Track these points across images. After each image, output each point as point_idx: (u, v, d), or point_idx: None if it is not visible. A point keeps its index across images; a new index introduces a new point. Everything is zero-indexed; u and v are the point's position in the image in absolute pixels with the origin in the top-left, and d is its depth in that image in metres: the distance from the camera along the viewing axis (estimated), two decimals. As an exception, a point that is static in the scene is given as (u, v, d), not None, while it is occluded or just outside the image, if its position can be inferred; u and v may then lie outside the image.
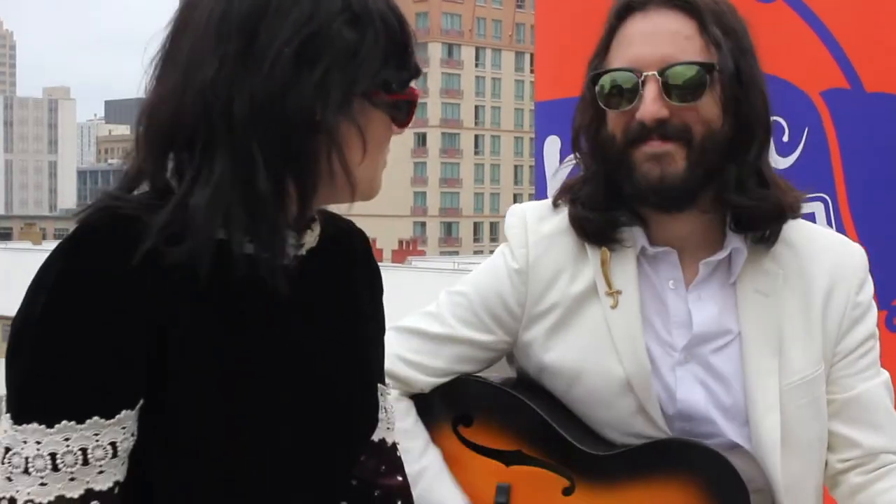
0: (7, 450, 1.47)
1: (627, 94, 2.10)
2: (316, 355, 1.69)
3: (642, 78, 2.08)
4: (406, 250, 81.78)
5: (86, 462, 1.47)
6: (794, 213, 2.20)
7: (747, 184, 2.13)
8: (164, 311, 1.51)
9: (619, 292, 2.17)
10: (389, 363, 2.06)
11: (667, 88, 2.07)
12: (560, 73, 3.35)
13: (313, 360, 1.68)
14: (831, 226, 3.14)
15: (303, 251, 1.68)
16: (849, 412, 2.20)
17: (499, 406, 2.25)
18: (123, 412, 1.50)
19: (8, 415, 1.47)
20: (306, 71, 1.54)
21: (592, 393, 2.18)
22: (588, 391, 2.18)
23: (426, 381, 2.28)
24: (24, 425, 1.46)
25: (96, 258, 1.49)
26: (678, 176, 2.09)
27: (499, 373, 2.36)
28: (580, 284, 2.21)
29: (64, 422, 1.46)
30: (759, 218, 2.16)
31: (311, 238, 1.70)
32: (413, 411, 2.27)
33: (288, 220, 1.59)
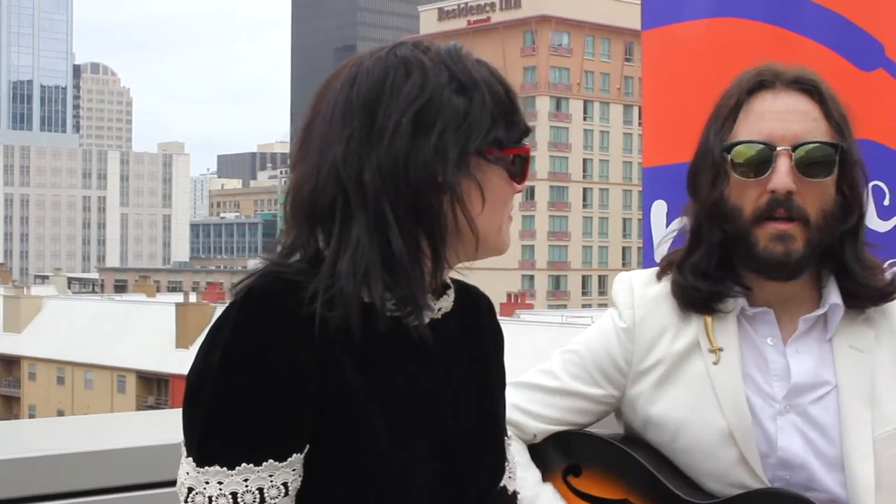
0: (190, 490, 1.65)
1: (760, 167, 2.24)
2: (453, 409, 1.84)
3: (776, 151, 2.23)
4: (514, 303, 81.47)
5: (262, 500, 1.65)
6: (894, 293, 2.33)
7: (863, 260, 2.31)
8: (327, 367, 1.68)
9: (720, 349, 2.31)
10: (507, 412, 2.22)
11: (798, 164, 2.22)
12: (667, 140, 3.45)
13: (451, 414, 1.84)
14: (930, 286, 3.21)
15: (439, 314, 1.85)
16: None
17: (606, 457, 2.38)
18: (294, 456, 1.67)
19: (190, 458, 1.66)
20: (423, 136, 1.72)
21: (696, 444, 2.30)
22: (692, 442, 2.31)
23: (538, 428, 2.43)
24: (207, 468, 1.64)
25: (267, 318, 1.67)
26: (798, 254, 2.23)
27: (607, 429, 2.49)
28: (683, 342, 2.35)
29: (244, 464, 1.64)
30: (873, 293, 2.31)
31: (446, 302, 1.88)
32: (527, 452, 2.42)
33: (425, 277, 1.75)
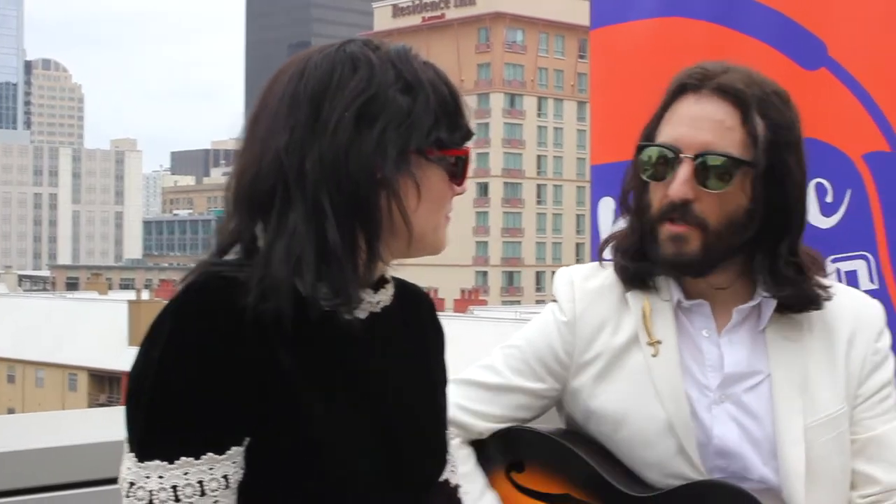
0: (131, 484, 1.66)
1: (664, 170, 2.29)
2: (394, 401, 1.87)
3: (680, 158, 2.26)
4: (468, 300, 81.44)
5: (202, 493, 1.67)
6: (828, 299, 2.36)
7: (784, 274, 2.31)
8: (264, 359, 1.70)
9: (659, 342, 2.35)
10: (451, 412, 2.25)
11: (697, 173, 2.25)
12: (614, 138, 3.49)
13: (392, 405, 1.87)
14: (873, 282, 3.26)
15: (378, 307, 1.88)
16: (870, 451, 2.36)
17: (548, 453, 2.41)
18: (233, 448, 1.69)
19: (131, 454, 1.68)
20: (365, 131, 1.75)
21: (636, 436, 2.34)
22: (632, 434, 2.35)
23: (484, 426, 2.46)
24: (147, 462, 1.66)
25: (204, 314, 1.70)
26: (692, 256, 2.28)
27: (548, 423, 2.53)
28: (623, 335, 2.39)
29: (183, 458, 1.66)
30: (795, 306, 2.35)
31: (385, 296, 1.90)
32: (473, 458, 2.45)
33: (359, 270, 1.78)
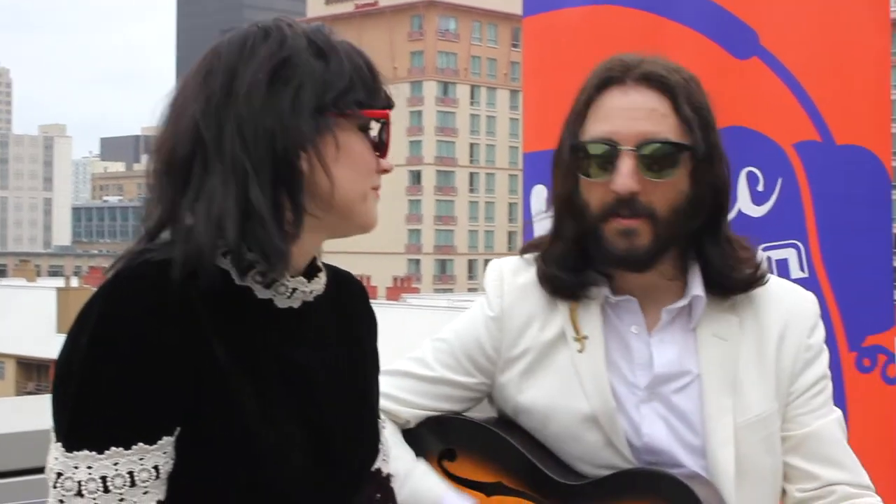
0: (59, 475, 1.62)
1: (604, 166, 2.23)
2: (327, 390, 1.86)
3: (619, 151, 2.22)
4: (400, 287, 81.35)
5: (133, 484, 1.63)
6: (764, 280, 2.36)
7: (726, 252, 2.31)
8: (196, 346, 1.68)
9: (585, 338, 2.33)
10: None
11: (641, 164, 2.21)
12: (547, 125, 3.47)
13: (324, 395, 1.85)
14: (803, 271, 3.29)
15: (311, 296, 1.86)
16: (806, 447, 2.34)
17: (481, 442, 2.40)
18: (164, 438, 1.66)
19: (59, 443, 1.64)
20: (280, 90, 1.74)
21: (563, 429, 2.33)
22: (559, 428, 2.33)
23: (410, 413, 2.44)
24: (76, 452, 1.62)
25: (132, 301, 1.66)
26: (643, 249, 2.23)
27: (481, 413, 2.51)
28: (550, 331, 2.37)
29: (113, 448, 1.63)
30: (733, 284, 2.32)
31: (318, 285, 1.88)
32: (399, 431, 2.43)
33: (287, 231, 1.74)
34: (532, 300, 2.40)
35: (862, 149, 3.31)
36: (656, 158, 2.22)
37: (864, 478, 2.36)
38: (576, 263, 2.32)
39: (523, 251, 2.48)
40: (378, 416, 2.03)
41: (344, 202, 1.79)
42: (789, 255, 3.30)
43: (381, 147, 1.85)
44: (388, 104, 1.85)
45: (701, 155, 2.25)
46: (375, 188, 1.85)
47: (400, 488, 2.23)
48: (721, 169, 2.29)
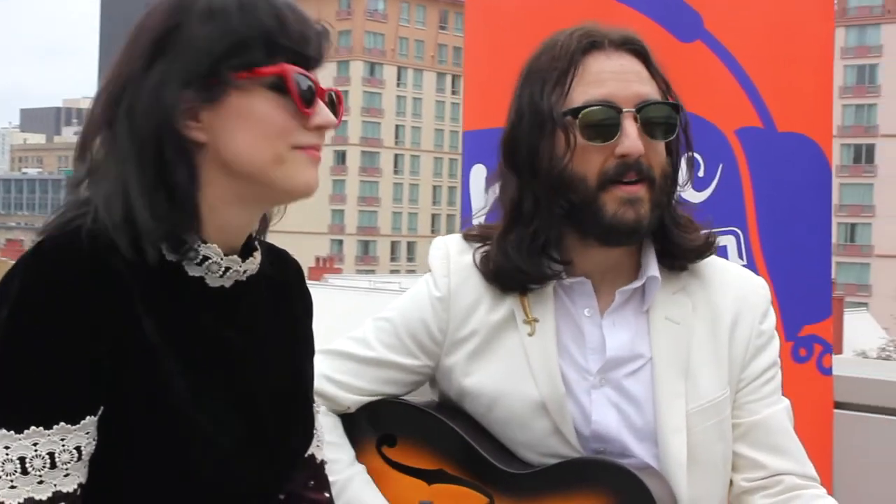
0: None
1: (608, 130, 2.16)
2: (259, 372, 1.79)
3: (622, 114, 2.16)
4: (323, 268, 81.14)
5: (53, 465, 1.55)
6: (714, 249, 2.32)
7: (679, 219, 2.28)
8: (121, 318, 1.60)
9: (535, 320, 2.26)
10: (317, 382, 2.15)
11: (644, 125, 2.17)
12: (488, 103, 3.42)
13: (257, 377, 1.78)
14: (742, 258, 3.26)
15: (244, 276, 1.78)
16: (754, 436, 2.31)
17: (422, 427, 2.33)
18: (88, 418, 1.59)
19: None
20: (157, 64, 1.67)
21: (510, 415, 2.26)
22: (506, 413, 2.27)
23: (352, 399, 2.36)
24: None
25: (56, 272, 1.58)
26: (647, 218, 2.19)
27: (422, 397, 2.45)
28: (499, 313, 2.30)
29: (33, 427, 1.54)
30: (689, 252, 2.29)
31: (252, 265, 1.80)
32: (340, 426, 2.35)
33: (192, 202, 1.69)
34: (480, 280, 2.32)
35: (803, 137, 3.29)
36: (655, 120, 2.18)
37: (810, 468, 2.34)
38: (544, 251, 2.24)
39: (467, 236, 2.39)
40: (312, 401, 1.96)
41: (252, 168, 1.70)
42: (728, 242, 3.27)
43: (306, 103, 1.72)
44: (306, 56, 1.73)
45: (686, 120, 2.22)
46: (302, 147, 1.73)
47: (336, 497, 2.16)
48: (683, 138, 2.27)
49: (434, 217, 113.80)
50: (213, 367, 1.72)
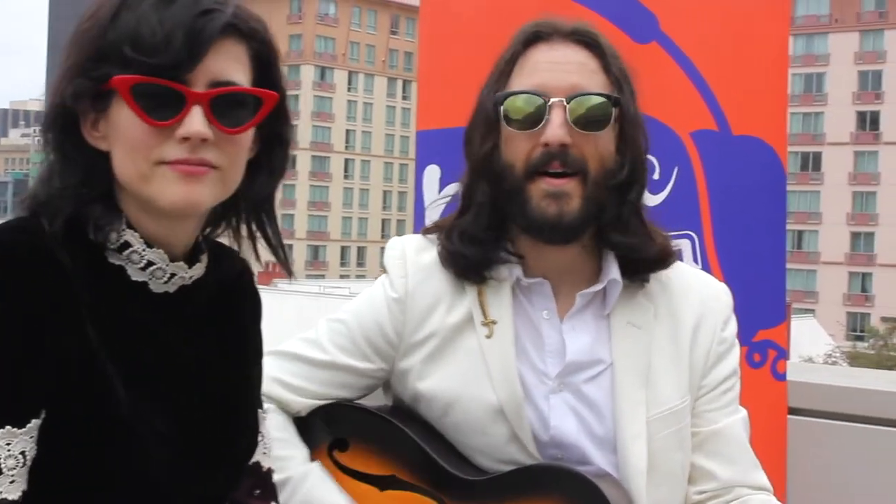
0: None
1: (533, 118, 2.15)
2: (203, 379, 1.74)
3: (550, 102, 2.14)
4: (272, 272, 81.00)
5: None
6: (674, 258, 2.29)
7: (631, 224, 2.22)
8: (66, 319, 1.55)
9: (494, 322, 2.22)
10: (267, 386, 2.11)
11: (573, 116, 2.13)
12: (442, 103, 3.38)
13: (201, 384, 1.73)
14: (697, 262, 3.24)
15: (190, 281, 1.73)
16: (710, 445, 2.28)
17: (375, 432, 2.28)
18: (33, 422, 1.52)
19: None
20: (65, 61, 1.64)
21: (467, 420, 2.22)
22: (462, 418, 2.22)
23: (302, 403, 2.30)
24: None
25: (2, 273, 1.52)
26: (573, 214, 2.15)
27: (375, 401, 2.39)
28: (457, 315, 2.25)
29: None
30: (646, 261, 2.25)
31: (198, 270, 1.75)
32: (292, 425, 2.30)
33: (116, 200, 1.66)
34: (438, 281, 2.28)
35: (758, 140, 3.28)
36: (588, 111, 2.15)
37: (763, 478, 2.31)
38: (486, 236, 2.21)
39: (426, 231, 2.35)
40: (258, 406, 1.90)
41: (128, 186, 1.65)
42: (683, 245, 3.25)
43: (161, 113, 1.61)
44: (172, 69, 1.60)
45: (630, 115, 2.18)
46: (169, 161, 1.62)
47: (292, 493, 2.12)
48: (641, 140, 2.24)
49: (384, 222, 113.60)
50: (156, 373, 1.67)
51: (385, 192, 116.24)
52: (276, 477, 2.02)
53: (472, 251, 2.23)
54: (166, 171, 1.62)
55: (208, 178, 1.65)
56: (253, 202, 1.79)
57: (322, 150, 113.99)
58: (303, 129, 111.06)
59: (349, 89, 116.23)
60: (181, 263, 1.71)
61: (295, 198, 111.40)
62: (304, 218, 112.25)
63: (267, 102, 1.70)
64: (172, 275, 1.70)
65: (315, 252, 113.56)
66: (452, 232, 2.26)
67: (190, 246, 1.74)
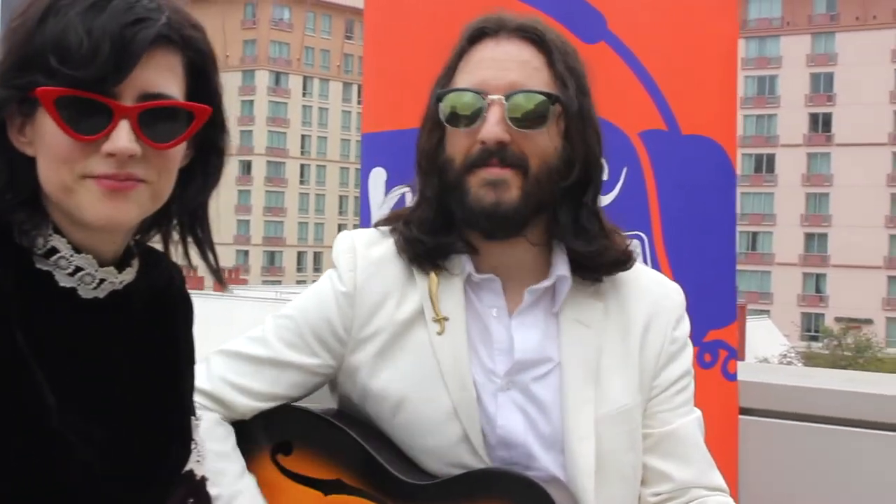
0: None
1: (471, 115, 2.15)
2: (134, 388, 1.69)
3: (488, 100, 2.13)
4: (228, 279, 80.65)
5: None
6: (631, 261, 2.27)
7: (588, 228, 2.21)
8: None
9: (445, 319, 2.20)
10: (212, 385, 2.10)
11: (510, 114, 2.12)
12: (386, 106, 3.36)
13: (131, 392, 1.69)
14: (647, 263, 3.22)
15: (120, 286, 1.68)
16: (664, 447, 2.26)
17: (320, 435, 2.24)
18: None
19: None
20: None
21: (417, 419, 2.19)
22: (413, 418, 2.19)
23: (249, 405, 2.26)
24: None
25: None
26: (511, 204, 2.13)
27: (322, 404, 2.35)
28: (407, 309, 2.23)
29: None
30: (600, 266, 2.24)
31: (129, 275, 1.70)
32: (232, 437, 2.25)
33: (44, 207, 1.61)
34: (388, 275, 2.26)
35: (708, 139, 3.26)
36: (525, 109, 2.14)
37: (718, 479, 2.30)
38: (440, 228, 2.21)
39: (379, 223, 2.35)
40: (191, 413, 1.86)
41: (49, 193, 1.60)
42: (633, 246, 3.21)
43: (85, 127, 1.55)
44: (83, 79, 1.54)
45: (573, 113, 2.17)
46: (94, 176, 1.57)
47: None
48: (592, 138, 2.23)
49: (340, 227, 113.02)
50: (86, 381, 1.63)
51: (341, 197, 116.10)
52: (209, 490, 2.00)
53: (428, 239, 2.22)
54: (92, 186, 1.58)
55: (135, 194, 1.60)
56: (185, 209, 1.74)
57: (277, 156, 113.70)
58: (258, 135, 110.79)
59: (304, 94, 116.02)
60: (111, 269, 1.66)
61: (251, 203, 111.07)
62: (259, 224, 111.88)
63: (199, 116, 1.64)
64: (102, 280, 1.65)
65: (271, 258, 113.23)
66: (410, 221, 2.26)
67: (120, 251, 1.69)
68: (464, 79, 2.20)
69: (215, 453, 2.09)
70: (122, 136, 1.56)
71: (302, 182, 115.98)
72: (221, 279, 1.82)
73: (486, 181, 2.14)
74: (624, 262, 2.27)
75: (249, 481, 2.21)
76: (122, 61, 1.54)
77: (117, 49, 1.54)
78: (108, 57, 1.53)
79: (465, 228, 2.22)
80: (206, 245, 1.77)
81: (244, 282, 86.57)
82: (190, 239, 1.77)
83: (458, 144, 2.18)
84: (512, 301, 2.24)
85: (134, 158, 1.57)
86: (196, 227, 1.77)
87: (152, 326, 1.77)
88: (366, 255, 2.29)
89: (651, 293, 2.32)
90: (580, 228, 2.21)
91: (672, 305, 2.34)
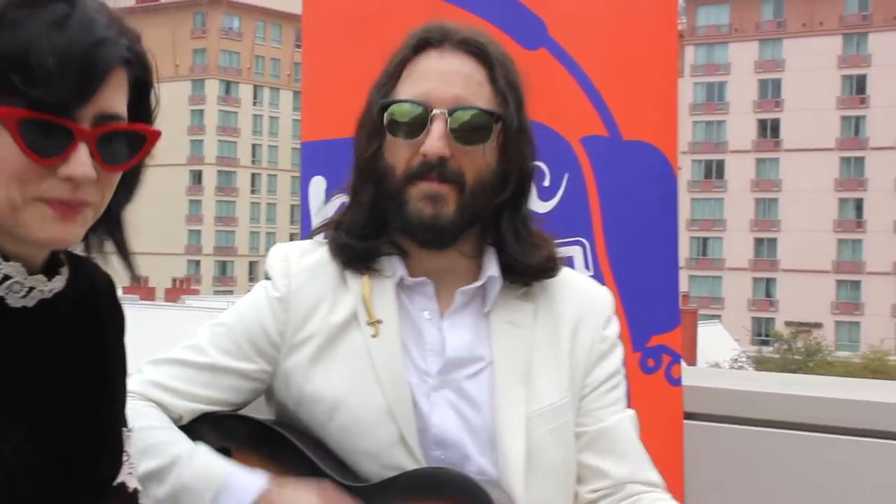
0: None
1: (414, 127, 2.17)
2: (63, 398, 1.66)
3: (432, 114, 2.15)
4: (179, 289, 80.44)
5: None
6: (559, 267, 2.31)
7: (519, 235, 2.25)
8: None
9: (379, 322, 2.22)
10: (146, 389, 2.13)
11: (453, 128, 2.15)
12: (326, 114, 3.34)
13: (60, 403, 1.66)
14: (589, 269, 3.22)
15: (49, 294, 1.65)
16: (599, 443, 2.29)
17: (258, 440, 2.24)
18: None
19: None
20: None
21: (353, 422, 2.19)
22: (349, 420, 2.20)
23: (184, 407, 2.25)
24: None
25: None
26: (448, 218, 2.17)
27: (258, 414, 2.34)
28: (341, 314, 2.24)
29: None
30: (529, 270, 2.27)
31: (58, 283, 1.67)
32: (163, 412, 2.23)
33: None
34: (321, 280, 2.28)
35: (648, 145, 3.27)
36: (468, 126, 2.17)
37: (653, 474, 2.33)
38: (370, 232, 2.24)
39: (314, 232, 2.38)
40: (123, 424, 1.83)
41: None
42: (575, 252, 3.23)
43: (45, 150, 1.51)
44: (48, 102, 1.49)
45: (513, 129, 2.21)
46: (46, 199, 1.54)
47: (182, 471, 2.08)
48: (528, 150, 2.27)
49: (292, 236, 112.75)
50: (13, 392, 1.59)
51: (293, 207, 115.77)
52: (156, 462, 2.03)
53: (357, 243, 2.25)
54: (43, 209, 1.54)
55: (82, 217, 1.58)
56: (110, 218, 1.72)
57: (228, 165, 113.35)
58: (208, 145, 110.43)
59: (255, 103, 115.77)
60: (40, 276, 1.63)
61: (202, 213, 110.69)
62: (211, 233, 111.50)
63: (150, 139, 1.63)
64: (31, 288, 1.62)
65: (223, 267, 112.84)
66: (340, 226, 2.29)
67: (47, 259, 1.66)
68: (407, 89, 2.22)
69: (157, 428, 2.12)
70: (82, 161, 1.53)
71: (253, 191, 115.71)
72: (138, 278, 1.80)
73: (424, 194, 2.17)
74: (552, 268, 2.30)
75: (204, 444, 2.20)
76: (86, 86, 1.51)
77: (83, 73, 1.50)
78: (75, 81, 1.50)
79: (400, 235, 2.25)
80: (123, 244, 1.75)
81: (196, 292, 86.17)
82: (112, 246, 1.75)
83: (399, 154, 2.20)
84: (444, 303, 2.27)
85: (88, 182, 1.55)
86: (117, 233, 1.75)
87: (81, 335, 1.74)
88: (299, 262, 2.31)
89: (580, 295, 2.36)
90: (512, 236, 2.25)
91: (601, 306, 2.38)
